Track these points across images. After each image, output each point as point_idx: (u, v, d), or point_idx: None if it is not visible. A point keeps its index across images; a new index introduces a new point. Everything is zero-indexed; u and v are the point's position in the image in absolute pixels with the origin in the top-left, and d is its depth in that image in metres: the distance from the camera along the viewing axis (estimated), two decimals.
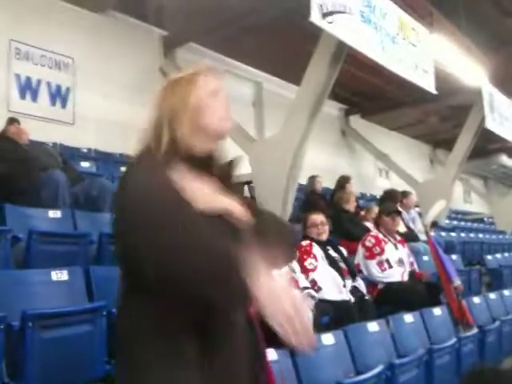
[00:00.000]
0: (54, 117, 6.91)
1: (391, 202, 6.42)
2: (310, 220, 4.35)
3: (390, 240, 4.82)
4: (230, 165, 1.54)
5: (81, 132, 7.35)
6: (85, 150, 7.04)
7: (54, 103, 7.31)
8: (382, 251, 4.67)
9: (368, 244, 4.73)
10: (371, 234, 4.89)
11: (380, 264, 4.62)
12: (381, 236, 4.80)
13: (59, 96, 7.37)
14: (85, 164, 6.01)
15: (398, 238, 5.01)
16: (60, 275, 2.79)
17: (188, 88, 1.46)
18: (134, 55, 8.20)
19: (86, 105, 7.50)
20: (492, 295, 5.49)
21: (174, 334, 1.28)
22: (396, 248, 4.82)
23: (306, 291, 3.64)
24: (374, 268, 4.61)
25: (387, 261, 4.64)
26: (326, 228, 4.35)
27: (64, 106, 7.42)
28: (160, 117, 1.44)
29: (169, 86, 1.50)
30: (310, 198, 7.08)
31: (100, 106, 7.57)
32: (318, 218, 4.36)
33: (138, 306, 1.30)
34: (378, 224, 5.06)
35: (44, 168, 4.00)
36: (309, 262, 4.01)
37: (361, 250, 4.76)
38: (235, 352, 1.35)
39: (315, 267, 3.99)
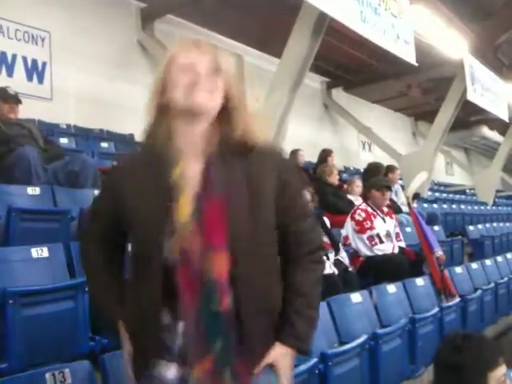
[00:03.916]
0: (30, 92, 6.75)
1: (376, 175, 6.42)
2: None
3: (378, 213, 4.81)
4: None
5: (59, 108, 7.22)
6: (64, 126, 6.93)
7: (30, 78, 7.16)
8: (373, 226, 4.67)
9: (358, 218, 4.70)
10: (360, 207, 4.84)
11: (370, 239, 4.61)
12: (370, 210, 4.76)
13: (36, 71, 7.22)
14: (64, 140, 5.90)
15: (386, 210, 4.96)
16: (40, 252, 2.76)
17: (161, 67, 1.40)
18: (112, 28, 8.05)
19: (63, 80, 7.35)
20: (474, 265, 5.57)
21: None
22: (384, 221, 4.81)
23: None
24: (363, 242, 4.61)
25: (378, 235, 4.63)
26: None
27: (41, 81, 7.27)
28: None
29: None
30: None
31: (78, 81, 7.42)
32: None
33: None
34: (365, 197, 5.03)
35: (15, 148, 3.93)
36: None
37: (350, 223, 4.73)
38: None
39: None
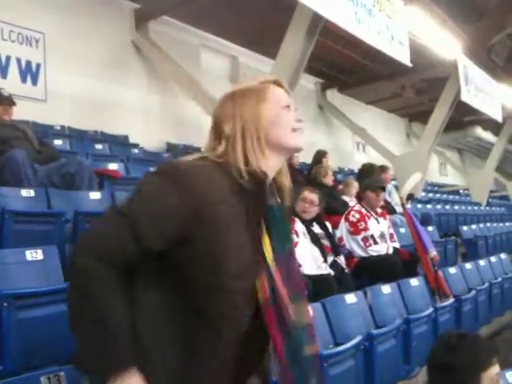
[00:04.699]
0: (24, 94, 6.74)
1: (370, 176, 6.43)
2: (302, 194, 4.29)
3: (372, 214, 4.83)
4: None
5: (53, 109, 7.20)
6: (58, 128, 6.91)
7: (24, 80, 7.13)
8: (367, 227, 4.69)
9: (352, 219, 4.72)
10: (354, 208, 4.86)
11: (365, 240, 4.63)
12: (364, 211, 4.79)
13: (30, 72, 7.19)
14: (58, 142, 5.89)
15: (380, 210, 4.99)
16: (35, 254, 2.75)
17: (259, 99, 1.37)
18: (106, 29, 8.03)
19: (57, 81, 7.33)
20: (468, 265, 5.59)
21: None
22: (378, 222, 4.84)
23: None
24: (358, 243, 4.63)
25: (372, 236, 4.66)
26: (313, 209, 4.28)
27: (35, 82, 7.25)
28: (227, 129, 1.33)
29: (236, 96, 1.39)
30: (289, 173, 7.06)
31: (72, 82, 7.41)
32: (310, 196, 4.28)
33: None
34: (360, 198, 5.05)
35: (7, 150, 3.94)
36: None
37: (344, 225, 4.75)
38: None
39: (295, 244, 3.98)
